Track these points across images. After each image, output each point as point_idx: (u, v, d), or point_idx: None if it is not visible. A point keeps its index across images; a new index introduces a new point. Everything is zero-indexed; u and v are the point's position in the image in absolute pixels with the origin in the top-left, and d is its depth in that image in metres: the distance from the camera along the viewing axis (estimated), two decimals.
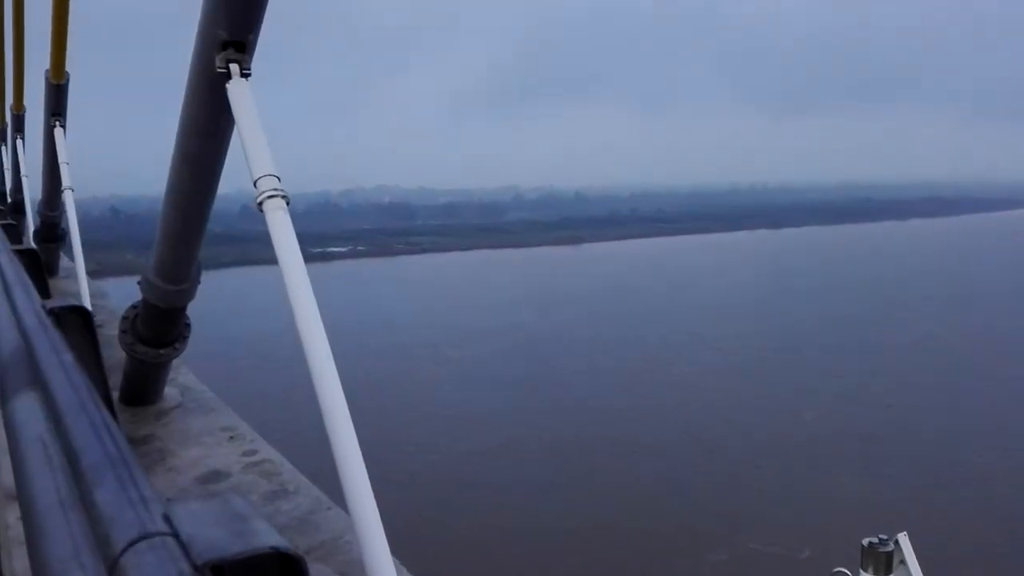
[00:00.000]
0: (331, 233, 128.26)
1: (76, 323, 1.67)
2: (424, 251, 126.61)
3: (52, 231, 9.20)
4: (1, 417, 1.54)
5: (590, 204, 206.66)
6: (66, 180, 7.10)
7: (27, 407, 1.44)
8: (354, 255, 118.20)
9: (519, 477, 30.08)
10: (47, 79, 7.47)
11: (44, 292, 2.42)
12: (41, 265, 3.19)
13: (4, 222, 5.68)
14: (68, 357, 1.28)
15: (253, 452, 3.58)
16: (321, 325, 2.26)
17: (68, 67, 7.51)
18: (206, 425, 3.97)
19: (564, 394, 41.56)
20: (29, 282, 1.89)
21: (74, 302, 1.76)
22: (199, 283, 3.89)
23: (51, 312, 1.55)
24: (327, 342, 2.25)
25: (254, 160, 2.52)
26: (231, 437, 3.77)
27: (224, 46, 2.61)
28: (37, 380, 1.42)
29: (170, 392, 4.40)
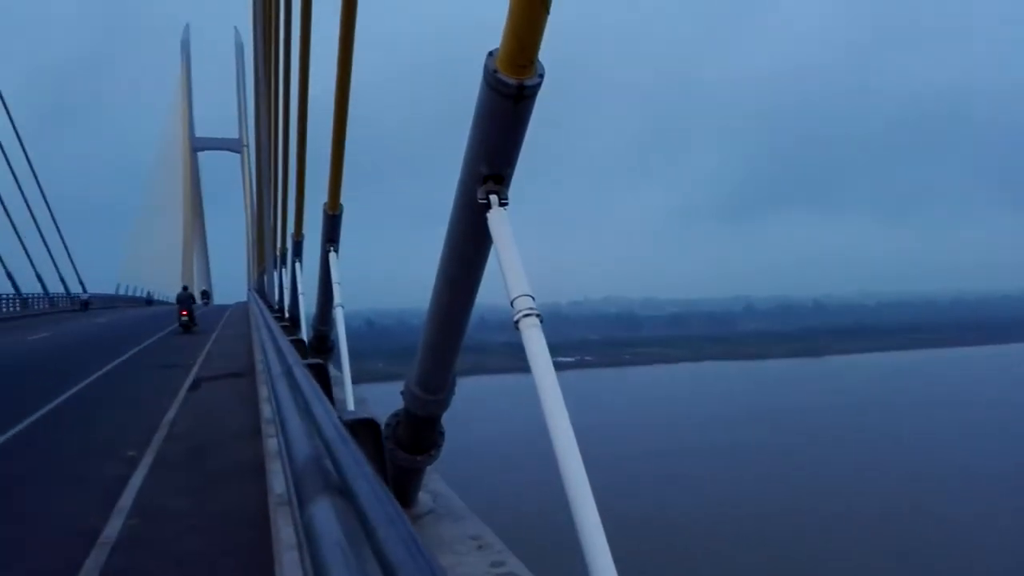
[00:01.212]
0: (559, 343, 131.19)
1: (368, 434, 1.84)
2: (652, 362, 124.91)
3: (323, 343, 10.31)
4: (300, 521, 1.71)
5: (831, 314, 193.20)
6: (337, 298, 8.01)
7: (326, 513, 1.59)
8: (581, 365, 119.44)
9: None
10: (324, 211, 8.59)
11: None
12: (328, 378, 3.57)
13: (293, 338, 6.51)
14: (368, 469, 1.41)
15: (501, 563, 3.63)
16: (572, 434, 2.32)
17: (342, 200, 8.63)
18: (456, 533, 4.10)
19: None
20: (323, 395, 2.13)
21: (365, 415, 1.94)
22: (454, 393, 4.13)
23: (346, 423, 1.73)
24: (578, 450, 2.29)
25: (511, 282, 2.69)
26: (479, 547, 3.86)
27: (485, 180, 2.87)
28: (337, 488, 1.56)
29: (423, 498, 4.62)
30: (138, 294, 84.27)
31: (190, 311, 29.49)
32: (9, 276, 49.76)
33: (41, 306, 55.60)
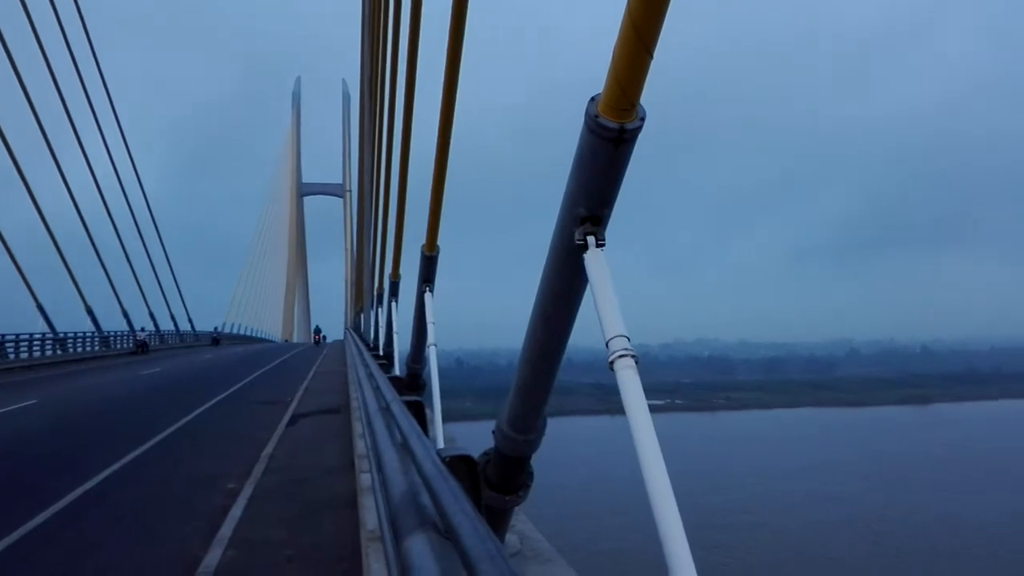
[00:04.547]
0: (649, 385, 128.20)
1: (464, 470, 1.86)
2: (745, 407, 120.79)
3: (415, 381, 10.50)
4: (394, 555, 1.74)
5: (939, 360, 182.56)
6: (431, 337, 8.17)
7: (423, 547, 1.61)
8: (671, 408, 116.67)
9: None
10: (422, 252, 8.82)
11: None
12: (424, 414, 3.63)
13: (392, 375, 6.69)
14: (468, 505, 1.43)
15: None
16: (667, 476, 2.28)
17: (439, 241, 8.86)
18: (543, 575, 4.06)
19: None
20: (422, 432, 2.17)
21: (462, 451, 1.97)
22: (544, 434, 4.11)
23: (444, 459, 1.76)
24: (672, 493, 2.25)
25: (607, 322, 2.69)
26: None
27: (582, 221, 2.90)
28: (434, 523, 1.59)
29: (510, 539, 4.59)
30: (234, 330, 78.35)
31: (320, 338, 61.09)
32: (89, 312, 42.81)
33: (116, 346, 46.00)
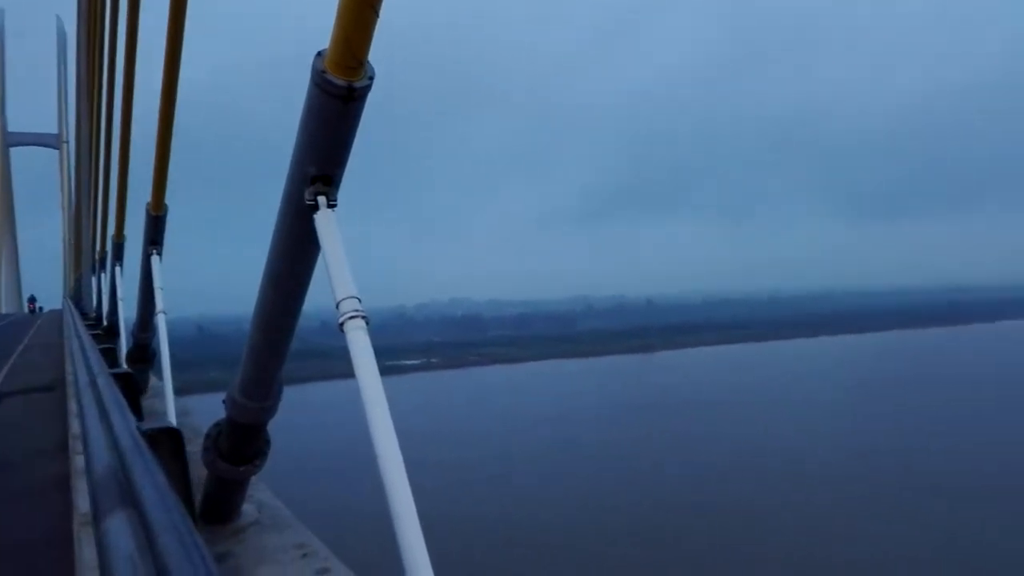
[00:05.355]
0: (405, 346, 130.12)
1: (168, 444, 1.76)
2: (495, 362, 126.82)
3: (143, 352, 9.68)
4: (95, 535, 1.61)
5: (662, 312, 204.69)
6: (160, 304, 7.56)
7: (119, 526, 1.51)
8: (427, 367, 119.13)
9: None
10: (147, 211, 8.07)
11: (138, 413, 2.54)
12: (136, 388, 3.37)
13: (104, 346, 6.08)
14: (161, 478, 1.35)
15: (325, 570, 3.57)
16: (395, 439, 2.33)
17: (167, 200, 8.14)
18: (281, 542, 4.00)
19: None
20: (125, 404, 2.01)
21: (166, 424, 1.86)
22: (280, 400, 4.01)
23: (145, 434, 1.64)
24: (400, 455, 2.30)
25: (337, 284, 2.67)
26: (304, 555, 3.78)
27: (313, 180, 2.82)
28: (131, 500, 1.49)
29: (247, 509, 4.45)
30: None
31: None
32: None
33: None
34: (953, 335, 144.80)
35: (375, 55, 2.64)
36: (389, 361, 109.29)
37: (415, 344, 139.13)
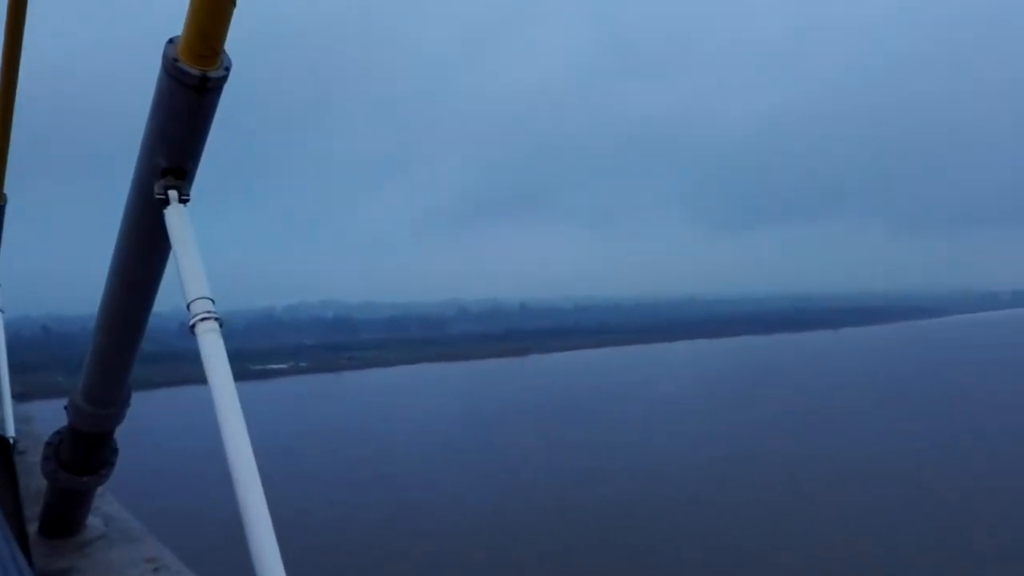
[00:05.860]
0: (272, 349, 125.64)
1: None
2: (368, 366, 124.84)
3: None
4: None
5: (535, 316, 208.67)
6: None
7: None
8: (295, 372, 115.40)
9: None
10: None
11: None
12: None
13: None
14: None
15: None
16: (250, 449, 2.26)
17: (6, 190, 7.50)
18: (130, 556, 3.79)
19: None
20: None
21: None
22: (129, 406, 3.80)
23: None
24: (255, 466, 2.23)
25: (188, 283, 2.55)
26: (155, 569, 3.61)
27: (164, 173, 2.69)
28: None
29: (93, 522, 4.19)
30: None
31: None
32: None
33: None
34: (798, 341, 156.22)
35: (234, 46, 2.57)
36: (255, 365, 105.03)
37: (284, 347, 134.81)
